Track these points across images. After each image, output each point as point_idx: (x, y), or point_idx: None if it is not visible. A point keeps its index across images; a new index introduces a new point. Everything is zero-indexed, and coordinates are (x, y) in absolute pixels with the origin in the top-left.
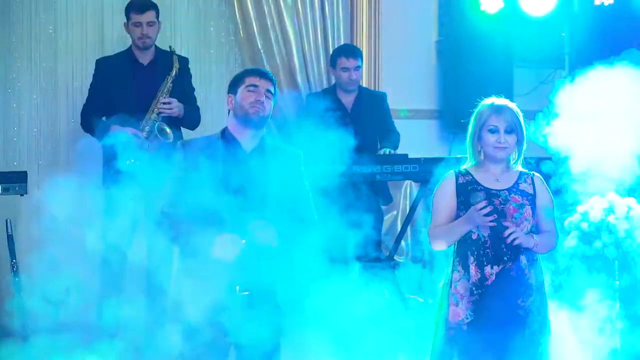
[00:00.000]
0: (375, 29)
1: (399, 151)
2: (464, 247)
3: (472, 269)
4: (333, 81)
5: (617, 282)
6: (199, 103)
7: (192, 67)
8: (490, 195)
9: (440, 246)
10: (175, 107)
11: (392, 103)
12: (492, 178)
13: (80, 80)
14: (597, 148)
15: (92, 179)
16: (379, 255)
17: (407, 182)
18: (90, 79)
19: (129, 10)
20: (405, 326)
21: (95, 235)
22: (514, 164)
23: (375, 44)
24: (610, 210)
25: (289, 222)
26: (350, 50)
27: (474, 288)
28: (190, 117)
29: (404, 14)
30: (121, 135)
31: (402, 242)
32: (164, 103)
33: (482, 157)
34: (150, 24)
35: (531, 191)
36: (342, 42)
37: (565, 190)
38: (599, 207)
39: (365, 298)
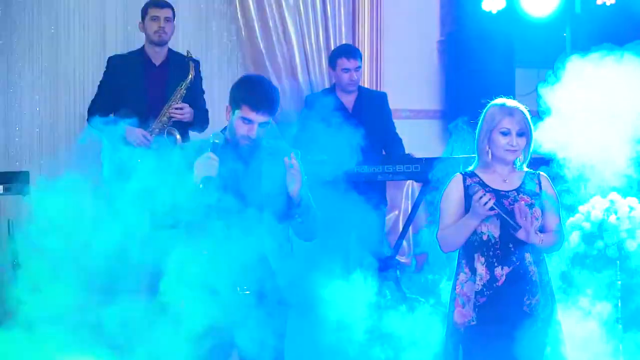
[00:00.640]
0: (377, 29)
1: None
2: (471, 249)
3: (482, 270)
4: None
5: (619, 282)
6: None
7: None
8: (499, 196)
9: (450, 248)
10: (187, 113)
11: (394, 103)
12: (500, 179)
13: (81, 80)
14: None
15: (93, 178)
16: (381, 255)
17: (409, 182)
18: (92, 79)
19: (147, 6)
20: (406, 326)
21: (97, 235)
22: (520, 165)
23: (377, 44)
24: (611, 210)
25: (290, 221)
26: (350, 51)
27: (484, 289)
28: (200, 121)
29: (405, 14)
30: (129, 134)
31: (404, 242)
32: (177, 108)
33: (489, 158)
34: (167, 19)
35: (537, 190)
36: (344, 43)
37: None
38: (601, 207)
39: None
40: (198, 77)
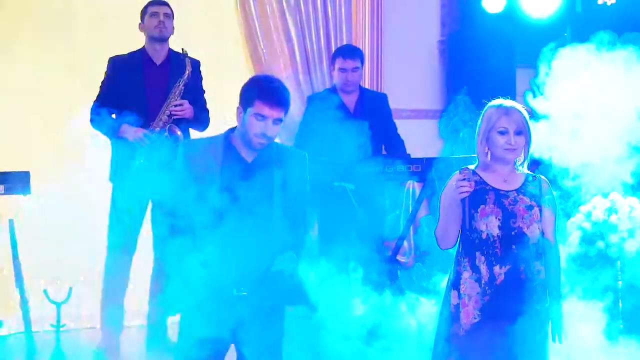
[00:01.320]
0: (378, 29)
1: None
2: (472, 247)
3: (483, 268)
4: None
5: (620, 282)
6: None
7: None
8: (500, 196)
9: (445, 243)
10: (187, 109)
11: (394, 103)
12: (500, 179)
13: (82, 80)
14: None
15: (93, 178)
16: (382, 255)
17: (410, 181)
18: (93, 79)
19: (145, 7)
20: (407, 326)
21: (101, 233)
22: (520, 165)
23: (377, 44)
24: (612, 210)
25: (302, 228)
26: (348, 51)
27: (486, 287)
28: (200, 120)
29: (406, 14)
30: (126, 132)
31: (405, 242)
32: (176, 105)
33: (488, 158)
34: (167, 15)
35: (538, 193)
36: (344, 43)
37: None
38: (602, 207)
39: (366, 298)
40: (199, 77)
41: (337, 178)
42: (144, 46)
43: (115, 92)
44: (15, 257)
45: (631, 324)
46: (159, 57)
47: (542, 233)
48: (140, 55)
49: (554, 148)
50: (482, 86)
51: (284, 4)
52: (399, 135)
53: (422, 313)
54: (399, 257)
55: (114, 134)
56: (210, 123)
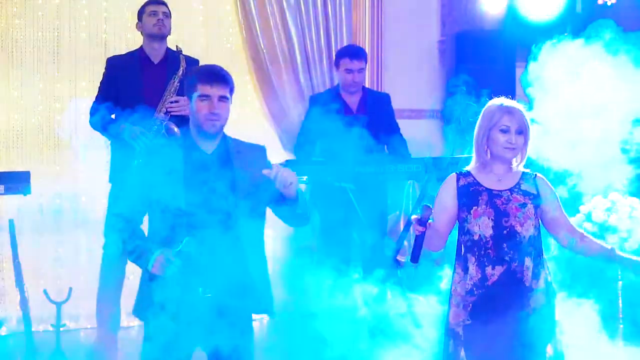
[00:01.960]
0: (378, 29)
1: None
2: (465, 249)
3: (473, 269)
4: (336, 81)
5: (620, 282)
6: None
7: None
8: (492, 196)
9: (429, 246)
10: (184, 106)
11: (395, 103)
12: (494, 178)
13: (83, 81)
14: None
15: (93, 177)
16: (382, 255)
17: (410, 181)
18: (93, 80)
19: (143, 6)
20: (408, 326)
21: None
22: (517, 164)
23: (377, 44)
24: (613, 210)
25: (260, 219)
26: (354, 52)
27: (474, 288)
28: None
29: (406, 14)
30: (130, 133)
31: (405, 242)
32: (172, 102)
33: (488, 157)
34: (165, 14)
35: (534, 191)
36: (344, 42)
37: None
38: (602, 207)
39: (367, 298)
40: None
41: (338, 178)
42: (141, 46)
43: (113, 92)
44: (15, 257)
45: (631, 324)
46: (156, 56)
47: (540, 231)
48: (138, 55)
49: (545, 148)
50: (482, 86)
51: (284, 3)
52: (401, 135)
53: (422, 313)
54: (399, 257)
55: (114, 134)
56: None
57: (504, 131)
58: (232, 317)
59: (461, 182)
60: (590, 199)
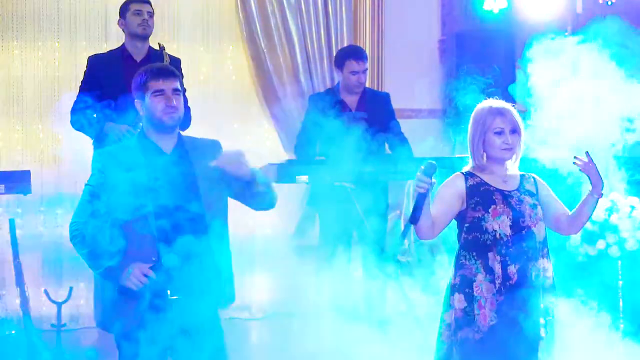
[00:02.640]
0: (379, 28)
1: None
2: (484, 248)
3: (497, 268)
4: (336, 81)
5: (620, 282)
6: (199, 103)
7: (194, 67)
8: (505, 196)
9: (423, 233)
10: None
11: (395, 102)
12: (499, 180)
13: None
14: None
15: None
16: (382, 255)
17: (410, 181)
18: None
19: (127, 3)
20: (408, 325)
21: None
22: (512, 163)
23: (378, 43)
24: (613, 209)
25: (224, 217)
26: (359, 53)
27: (502, 287)
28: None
29: (407, 13)
30: (114, 132)
31: (405, 242)
32: None
33: (484, 160)
34: (149, 13)
35: (535, 191)
36: (345, 42)
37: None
38: (602, 207)
39: (367, 298)
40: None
41: (338, 178)
42: (123, 44)
43: (96, 90)
44: (15, 257)
45: (631, 324)
46: (139, 55)
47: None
48: (120, 53)
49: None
50: (482, 86)
51: (285, 3)
52: (402, 134)
53: (421, 312)
54: (399, 257)
55: (97, 134)
56: (192, 121)
57: (499, 133)
58: (199, 316)
59: (470, 182)
60: None
